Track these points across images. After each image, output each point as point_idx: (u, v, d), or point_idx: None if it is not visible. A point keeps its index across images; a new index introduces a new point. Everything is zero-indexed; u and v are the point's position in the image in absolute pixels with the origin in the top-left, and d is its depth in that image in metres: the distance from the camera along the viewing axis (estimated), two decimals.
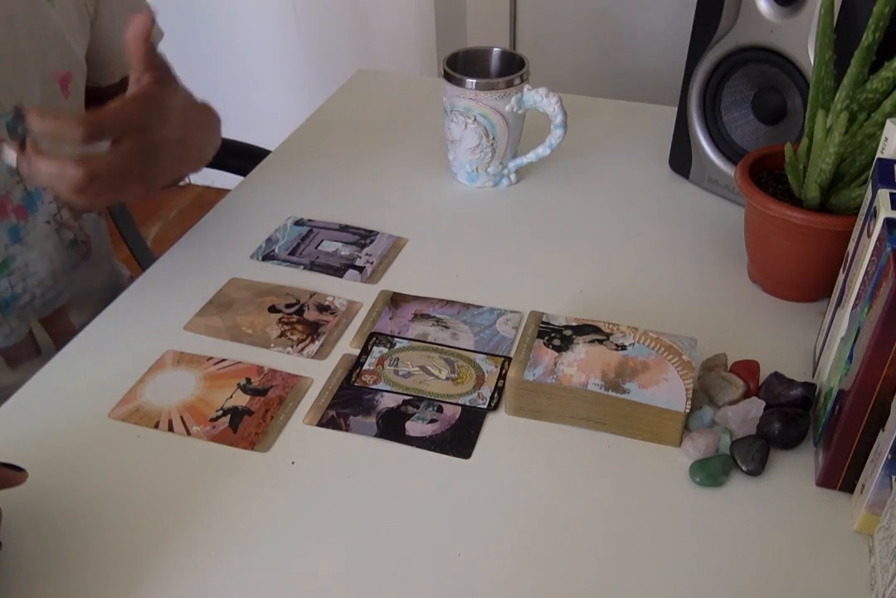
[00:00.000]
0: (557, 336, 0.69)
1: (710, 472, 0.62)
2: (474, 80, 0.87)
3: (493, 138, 0.90)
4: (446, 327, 0.76)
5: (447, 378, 0.71)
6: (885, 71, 0.67)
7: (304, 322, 0.76)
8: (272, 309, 0.78)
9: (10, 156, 0.64)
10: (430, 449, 0.65)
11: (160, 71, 0.71)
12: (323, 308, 0.78)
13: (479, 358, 0.73)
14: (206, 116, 0.80)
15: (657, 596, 0.56)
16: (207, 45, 2.04)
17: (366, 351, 0.73)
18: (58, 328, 0.90)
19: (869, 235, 0.60)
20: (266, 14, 2.00)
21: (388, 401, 0.69)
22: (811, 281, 0.77)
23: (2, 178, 0.78)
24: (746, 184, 0.75)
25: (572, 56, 1.84)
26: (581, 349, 0.67)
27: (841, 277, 0.68)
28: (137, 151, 0.67)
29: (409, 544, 0.59)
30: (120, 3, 0.87)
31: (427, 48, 1.91)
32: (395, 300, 0.79)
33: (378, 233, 0.88)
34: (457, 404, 0.68)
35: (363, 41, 1.98)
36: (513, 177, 0.95)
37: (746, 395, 0.68)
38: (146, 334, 0.76)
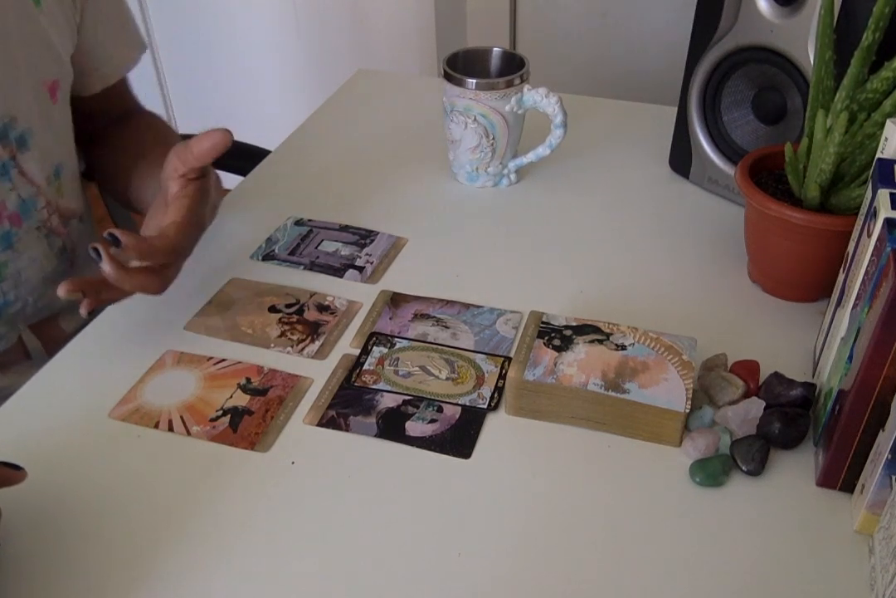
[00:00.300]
0: (557, 336, 0.69)
1: (710, 472, 0.62)
2: (474, 81, 0.87)
3: (493, 138, 0.90)
4: (446, 327, 0.76)
5: (447, 378, 0.71)
6: (885, 71, 0.67)
7: (304, 322, 0.76)
8: (272, 309, 0.78)
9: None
10: (430, 449, 0.65)
11: (207, 169, 0.73)
12: (323, 308, 0.78)
13: (479, 358, 0.73)
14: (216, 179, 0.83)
15: (657, 596, 0.56)
16: (207, 45, 2.04)
17: (366, 351, 0.73)
18: (48, 335, 0.90)
19: (869, 235, 0.60)
20: (266, 14, 2.00)
21: (388, 401, 0.69)
22: (811, 281, 0.77)
23: None
24: (746, 184, 0.75)
25: (572, 56, 1.84)
26: (581, 349, 0.67)
27: (841, 277, 0.68)
28: (193, 247, 0.73)
29: (409, 544, 0.59)
30: (104, 15, 0.87)
31: (427, 48, 1.91)
32: (395, 300, 0.79)
33: (378, 233, 0.88)
34: (457, 404, 0.68)
35: (363, 41, 1.98)
36: (513, 177, 0.95)
37: (746, 395, 0.68)
38: (146, 334, 0.76)
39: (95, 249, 0.64)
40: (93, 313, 0.68)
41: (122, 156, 0.91)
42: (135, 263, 0.67)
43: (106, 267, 0.65)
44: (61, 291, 0.64)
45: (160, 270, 0.69)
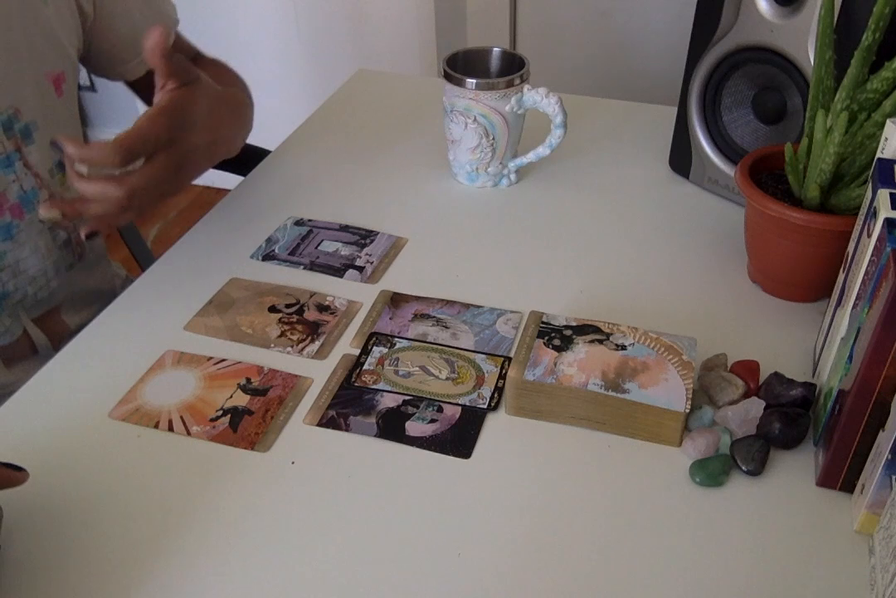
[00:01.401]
0: (557, 336, 0.69)
1: (710, 472, 0.62)
2: (474, 81, 0.87)
3: (493, 138, 0.90)
4: (446, 327, 0.76)
5: (447, 378, 0.71)
6: (885, 71, 0.67)
7: (304, 322, 0.76)
8: (272, 309, 0.78)
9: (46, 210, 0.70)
10: (430, 449, 0.65)
11: (183, 75, 0.73)
12: (323, 308, 0.78)
13: (479, 358, 0.73)
14: (233, 105, 0.81)
15: (657, 596, 0.56)
16: (208, 46, 2.04)
17: (366, 351, 0.73)
18: (51, 328, 0.90)
19: (869, 235, 0.60)
20: (266, 14, 2.00)
21: (388, 401, 0.69)
22: (811, 281, 0.77)
23: None
24: (746, 184, 0.75)
25: (572, 56, 1.84)
26: (581, 349, 0.67)
27: (841, 277, 0.68)
28: (170, 163, 0.71)
29: (410, 544, 0.59)
30: (133, 2, 0.88)
31: (427, 48, 1.91)
32: (395, 300, 0.79)
33: (378, 233, 0.88)
34: (457, 404, 0.68)
35: (363, 41, 1.98)
36: (513, 177, 0.95)
37: (746, 395, 0.68)
38: (146, 334, 0.76)
39: (61, 162, 0.66)
40: (91, 236, 0.71)
41: None
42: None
43: (69, 174, 0.67)
44: (41, 210, 0.68)
45: (120, 178, 0.69)
